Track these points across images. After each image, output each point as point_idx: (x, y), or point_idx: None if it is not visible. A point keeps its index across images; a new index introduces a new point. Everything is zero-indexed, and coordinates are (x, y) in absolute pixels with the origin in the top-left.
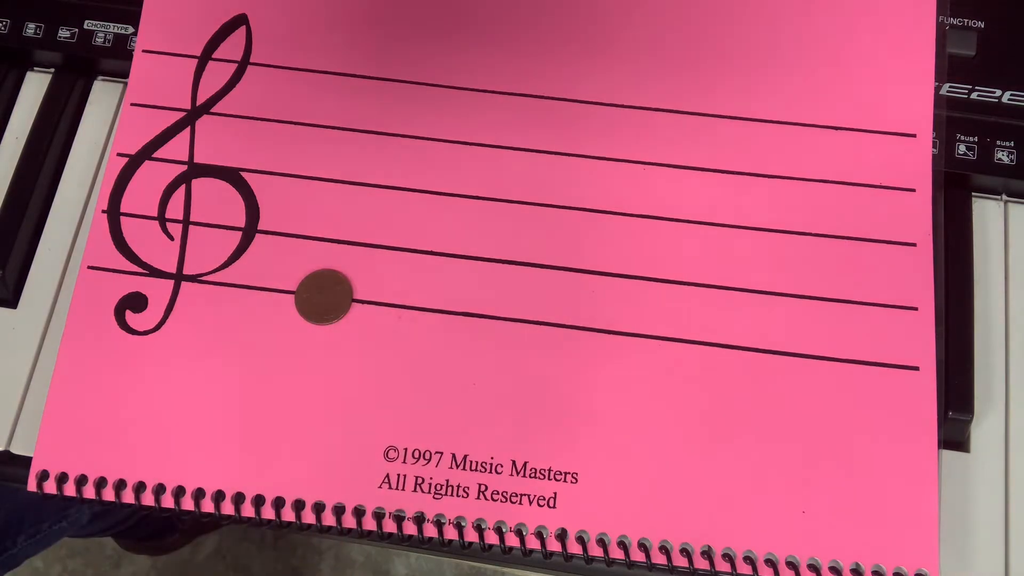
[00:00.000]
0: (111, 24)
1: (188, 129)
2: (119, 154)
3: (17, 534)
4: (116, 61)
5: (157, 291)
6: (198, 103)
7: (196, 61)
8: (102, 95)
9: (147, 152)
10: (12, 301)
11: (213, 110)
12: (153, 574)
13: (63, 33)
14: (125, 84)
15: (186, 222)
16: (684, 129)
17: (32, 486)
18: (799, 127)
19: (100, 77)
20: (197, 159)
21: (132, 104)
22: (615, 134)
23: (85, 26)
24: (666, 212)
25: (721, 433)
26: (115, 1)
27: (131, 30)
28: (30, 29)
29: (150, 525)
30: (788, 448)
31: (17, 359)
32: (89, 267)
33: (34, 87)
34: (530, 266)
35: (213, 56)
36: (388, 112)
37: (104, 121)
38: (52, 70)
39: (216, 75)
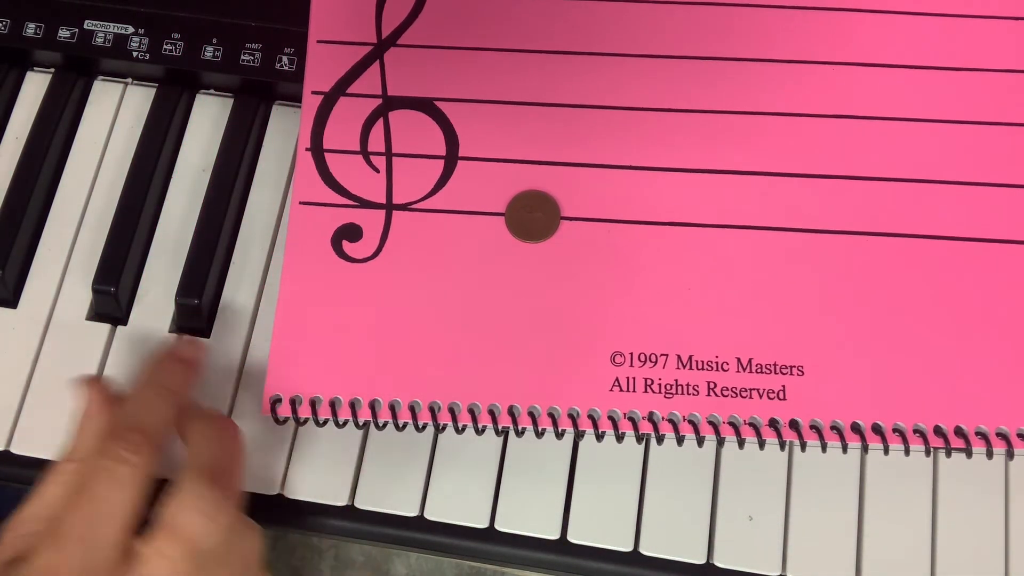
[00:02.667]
0: (111, 24)
1: (377, 63)
2: (313, 92)
3: None
4: (116, 61)
5: (370, 221)
6: (383, 36)
7: None
8: (102, 95)
9: (341, 88)
10: (12, 301)
11: (399, 42)
12: None
13: (63, 33)
14: (126, 84)
15: (389, 154)
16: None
17: (266, 410)
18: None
19: (100, 77)
20: (390, 92)
21: (318, 41)
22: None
23: (85, 26)
24: (868, 112)
25: (937, 317)
26: (115, 1)
27: (131, 30)
28: (30, 29)
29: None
30: (1005, 329)
31: (17, 359)
32: (301, 203)
33: (34, 87)
34: (734, 173)
35: None
36: (577, 31)
37: (104, 121)
38: (52, 70)
39: (398, 6)
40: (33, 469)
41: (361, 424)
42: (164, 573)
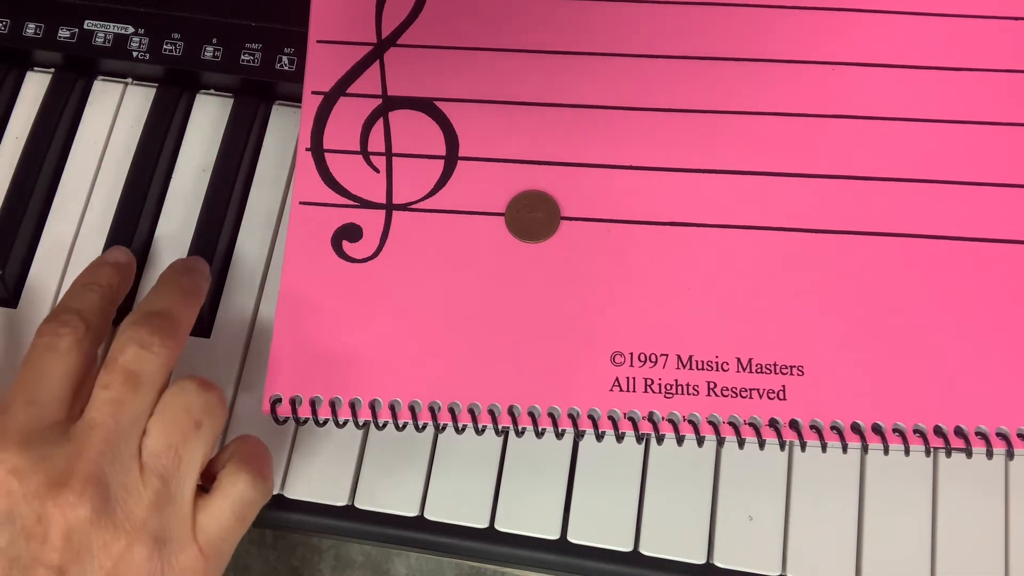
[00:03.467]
0: (111, 24)
1: (377, 63)
2: (313, 92)
3: None
4: (116, 61)
5: (370, 221)
6: (383, 36)
7: None
8: (102, 95)
9: (341, 88)
10: (12, 301)
11: (399, 42)
12: None
13: (63, 33)
14: (126, 84)
15: (389, 154)
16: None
17: (266, 410)
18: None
19: (100, 77)
20: (390, 92)
21: (318, 41)
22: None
23: (85, 26)
24: (868, 112)
25: (938, 317)
26: (115, 1)
27: (131, 30)
28: (30, 29)
29: None
30: (1005, 329)
31: (17, 359)
32: (301, 203)
33: (34, 87)
34: (734, 173)
35: None
36: (577, 31)
37: (104, 121)
38: (52, 70)
39: (398, 6)
40: None
41: (361, 424)
42: (104, 398)
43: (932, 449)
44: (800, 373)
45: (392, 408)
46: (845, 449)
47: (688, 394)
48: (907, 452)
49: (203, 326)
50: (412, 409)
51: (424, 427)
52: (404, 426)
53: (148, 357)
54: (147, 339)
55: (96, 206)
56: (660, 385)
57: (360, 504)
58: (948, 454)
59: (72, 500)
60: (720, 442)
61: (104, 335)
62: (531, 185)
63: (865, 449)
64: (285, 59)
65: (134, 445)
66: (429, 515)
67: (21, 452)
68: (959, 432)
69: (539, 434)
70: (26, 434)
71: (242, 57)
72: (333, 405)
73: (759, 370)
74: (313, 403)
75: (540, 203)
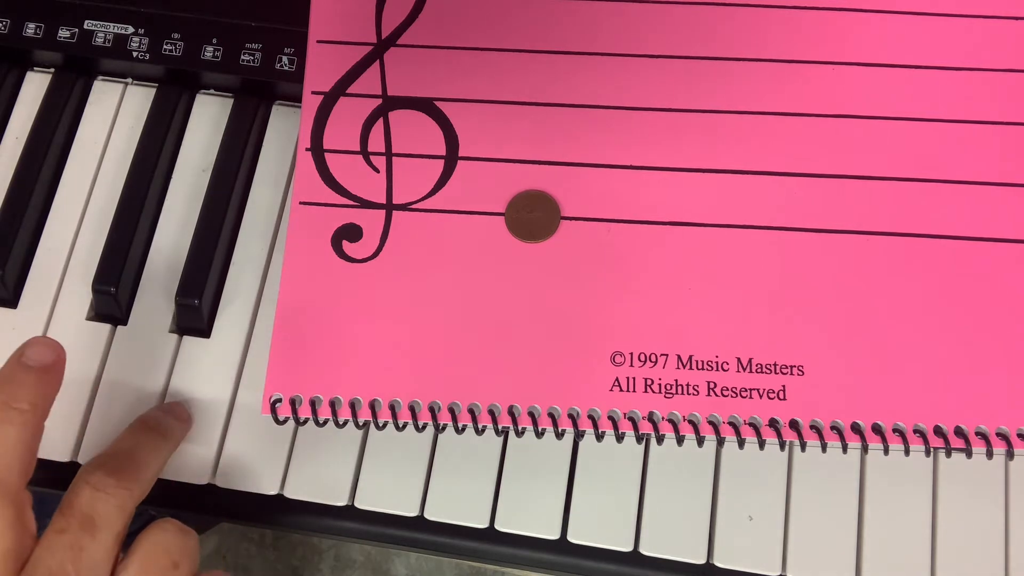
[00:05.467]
0: (111, 24)
1: (377, 63)
2: (313, 92)
3: None
4: (116, 61)
5: (370, 221)
6: (383, 36)
7: None
8: (102, 95)
9: (341, 88)
10: (12, 301)
11: (399, 42)
12: None
13: (63, 33)
14: (126, 84)
15: (389, 154)
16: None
17: (266, 410)
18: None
19: (100, 77)
20: (390, 92)
21: (318, 41)
22: (807, 35)
23: (85, 26)
24: (868, 112)
25: (937, 316)
26: (115, 1)
27: (131, 30)
28: (30, 29)
29: None
30: (1005, 328)
31: None
32: (301, 203)
33: (34, 87)
34: (734, 173)
35: None
36: (577, 31)
37: (104, 121)
38: (52, 70)
39: (398, 6)
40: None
41: (361, 424)
42: (61, 543)
43: (932, 449)
44: (800, 373)
45: (392, 408)
46: (845, 449)
47: (688, 394)
48: (907, 452)
49: (203, 326)
50: (412, 409)
51: (424, 427)
52: (404, 426)
53: (104, 498)
54: (103, 481)
55: (96, 206)
56: (660, 385)
57: (360, 504)
58: (948, 454)
59: None
60: (720, 442)
61: (30, 471)
62: (531, 185)
63: (865, 449)
64: (285, 59)
65: None
66: (429, 515)
67: None
68: (959, 432)
69: (539, 434)
70: None
71: (242, 57)
72: (333, 405)
73: (759, 370)
74: (313, 403)
75: (540, 203)
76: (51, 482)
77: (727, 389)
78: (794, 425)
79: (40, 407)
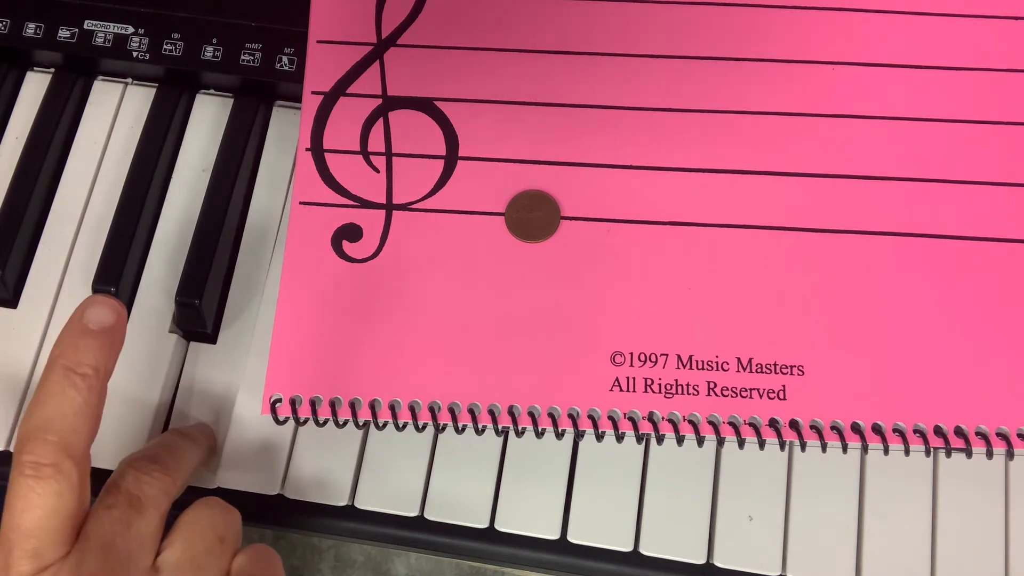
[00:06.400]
0: (111, 24)
1: (377, 63)
2: (313, 92)
3: None
4: (116, 61)
5: (370, 221)
6: (383, 36)
7: None
8: (102, 95)
9: (341, 88)
10: (12, 301)
11: (399, 42)
12: None
13: (63, 33)
14: (126, 84)
15: (389, 154)
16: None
17: (266, 410)
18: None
19: (100, 77)
20: (390, 92)
21: (318, 41)
22: (806, 34)
23: (85, 26)
24: (868, 112)
25: (937, 316)
26: (115, 1)
27: (131, 30)
28: (30, 29)
29: None
30: (1005, 328)
31: (17, 359)
32: (301, 203)
33: (34, 87)
34: (734, 173)
35: None
36: (577, 31)
37: (104, 121)
38: (52, 70)
39: (398, 6)
40: None
41: (361, 424)
42: (111, 518)
43: (932, 449)
44: (800, 373)
45: (392, 408)
46: (845, 449)
47: (688, 394)
48: (907, 452)
49: (203, 326)
50: (412, 409)
51: (424, 427)
52: (404, 426)
53: (149, 481)
54: (146, 466)
55: (96, 206)
56: (660, 385)
57: (360, 504)
58: (948, 454)
59: None
60: (720, 442)
61: (93, 436)
62: (531, 185)
63: (865, 449)
64: (285, 59)
65: (144, 565)
66: (429, 515)
67: None
68: (959, 432)
69: (539, 434)
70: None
71: (242, 57)
72: (333, 405)
73: (759, 370)
74: (313, 403)
75: (540, 203)
76: None
77: (727, 389)
78: (794, 425)
79: (104, 370)
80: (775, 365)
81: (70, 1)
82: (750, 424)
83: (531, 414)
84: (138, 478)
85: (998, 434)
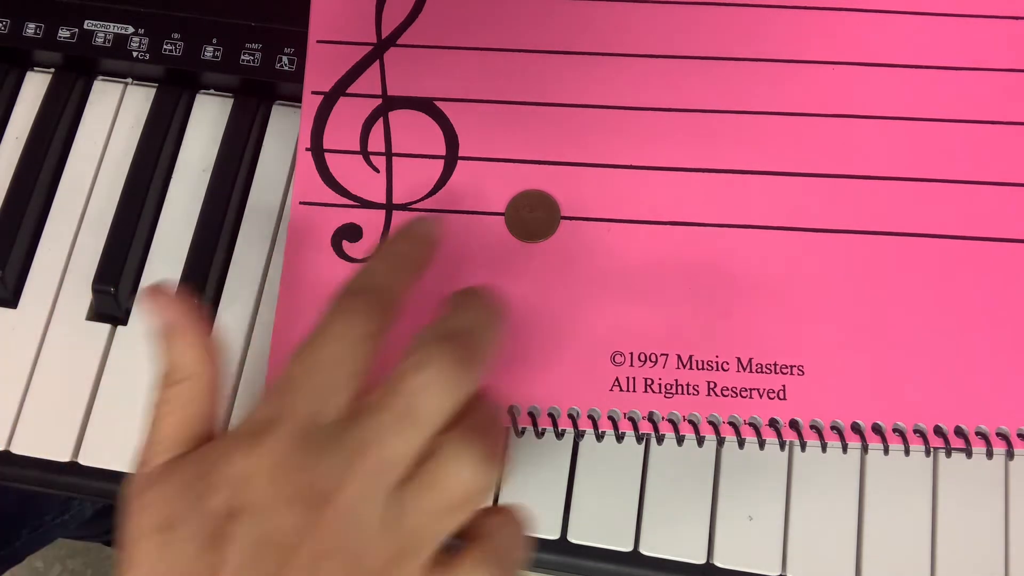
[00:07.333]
0: (111, 24)
1: (377, 63)
2: (313, 92)
3: (20, 527)
4: (116, 61)
5: (370, 220)
6: (383, 36)
7: None
8: (102, 95)
9: (341, 88)
10: (12, 301)
11: (399, 42)
12: None
13: (63, 33)
14: (126, 84)
15: (388, 154)
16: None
17: None
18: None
19: (100, 77)
20: (390, 92)
21: (318, 41)
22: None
23: (85, 26)
24: (868, 111)
25: (937, 316)
26: (115, 1)
27: (131, 30)
28: (30, 29)
29: None
30: (1005, 328)
31: (17, 359)
32: (301, 203)
33: (34, 87)
34: (734, 173)
35: None
36: (577, 31)
37: (104, 121)
38: (52, 70)
39: (398, 6)
40: (33, 469)
41: None
42: (381, 422)
43: (932, 449)
44: (800, 373)
45: None
46: (845, 449)
47: (688, 394)
48: (907, 452)
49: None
50: None
51: None
52: None
53: (442, 393)
54: (448, 372)
55: (96, 206)
56: (660, 385)
57: None
58: (948, 454)
59: (323, 528)
60: (720, 442)
61: (391, 329)
62: (531, 185)
63: (865, 449)
64: (285, 59)
65: (392, 481)
66: None
67: (293, 449)
68: (959, 432)
69: (539, 434)
70: (301, 430)
71: (242, 57)
72: None
73: (759, 370)
74: None
75: (540, 203)
76: (51, 483)
77: (727, 389)
78: (794, 425)
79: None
80: (775, 365)
81: (70, 1)
82: (750, 424)
83: (531, 414)
84: (430, 383)
85: (998, 434)
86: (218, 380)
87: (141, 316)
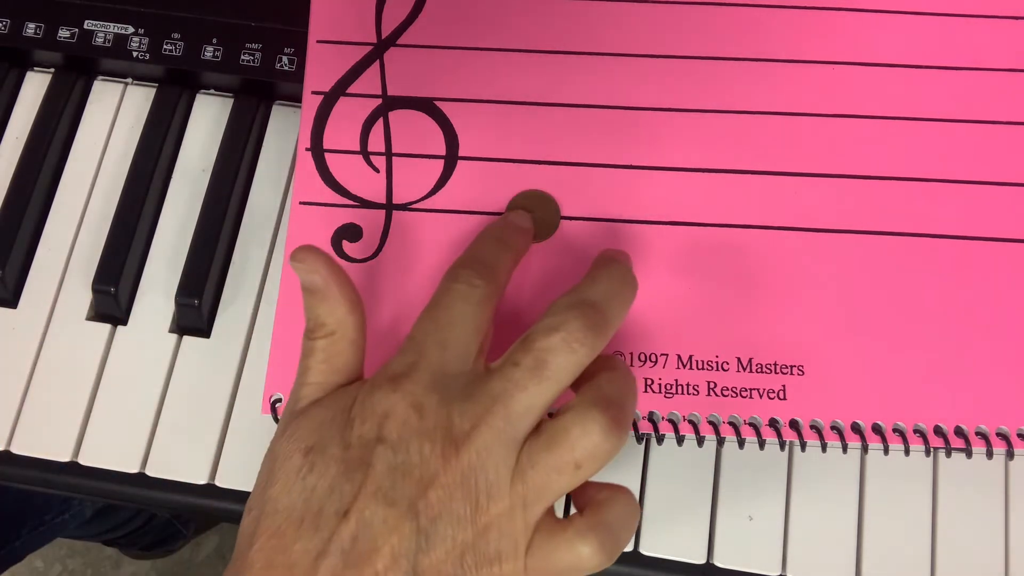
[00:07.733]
0: (111, 24)
1: (377, 63)
2: (313, 92)
3: (20, 526)
4: (116, 61)
5: (370, 221)
6: (383, 36)
7: None
8: (102, 95)
9: (341, 88)
10: (12, 301)
11: (399, 42)
12: (153, 574)
13: (63, 33)
14: (126, 84)
15: (388, 154)
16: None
17: (266, 410)
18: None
19: (100, 77)
20: (390, 92)
21: (318, 41)
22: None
23: (85, 26)
24: (868, 111)
25: (937, 316)
26: (115, 1)
27: (131, 30)
28: (30, 29)
29: (153, 532)
30: (1005, 328)
31: (17, 359)
32: (301, 203)
33: (34, 87)
34: (734, 173)
35: None
36: (577, 31)
37: (104, 121)
38: (52, 70)
39: (398, 6)
40: (33, 469)
41: None
42: (513, 377)
43: (932, 449)
44: (800, 373)
45: None
46: (845, 449)
47: (688, 394)
48: (907, 452)
49: (203, 326)
50: None
51: None
52: None
53: (567, 353)
54: (577, 335)
55: (96, 206)
56: (660, 385)
57: None
58: (948, 454)
59: (454, 464)
60: (720, 442)
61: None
62: (531, 185)
63: (865, 449)
64: (285, 59)
65: (521, 433)
66: None
67: (430, 391)
68: (959, 432)
69: None
70: (436, 376)
71: (242, 57)
72: None
73: (759, 370)
74: None
75: (540, 203)
76: (51, 483)
77: (727, 389)
78: (794, 425)
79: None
80: (775, 365)
81: (70, 1)
82: (750, 424)
83: None
84: (560, 345)
85: (998, 434)
86: (361, 334)
87: (140, 316)
